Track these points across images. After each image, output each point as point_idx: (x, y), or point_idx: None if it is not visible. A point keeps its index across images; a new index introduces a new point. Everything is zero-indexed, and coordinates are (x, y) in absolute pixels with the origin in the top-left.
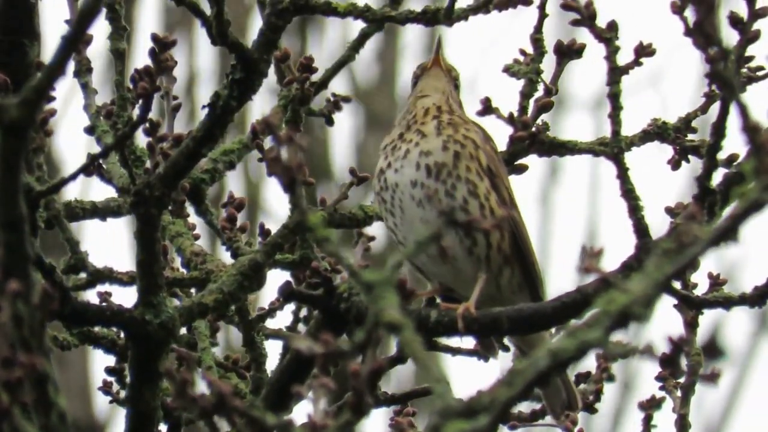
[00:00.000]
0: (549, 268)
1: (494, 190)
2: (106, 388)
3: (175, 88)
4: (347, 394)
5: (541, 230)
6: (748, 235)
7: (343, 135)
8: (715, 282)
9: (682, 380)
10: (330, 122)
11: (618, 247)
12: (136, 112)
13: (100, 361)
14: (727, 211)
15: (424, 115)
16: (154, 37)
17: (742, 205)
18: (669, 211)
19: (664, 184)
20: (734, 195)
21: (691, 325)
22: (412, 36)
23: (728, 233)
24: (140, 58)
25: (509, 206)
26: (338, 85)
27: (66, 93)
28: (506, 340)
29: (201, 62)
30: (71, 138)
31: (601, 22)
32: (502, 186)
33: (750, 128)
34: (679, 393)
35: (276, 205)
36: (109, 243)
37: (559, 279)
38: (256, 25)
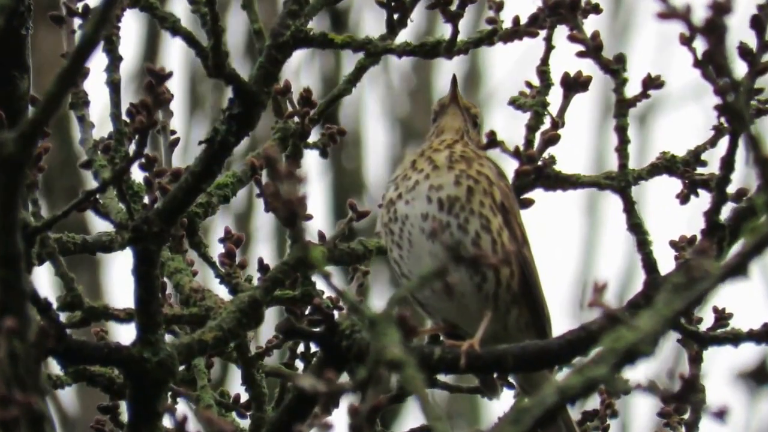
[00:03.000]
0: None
1: (507, 227)
2: (99, 426)
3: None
4: None
5: (586, 244)
6: None
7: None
8: (721, 316)
9: (686, 416)
10: (324, 155)
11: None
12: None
13: None
14: (738, 246)
15: (439, 144)
16: (150, 70)
17: (752, 240)
18: (673, 244)
19: (675, 217)
20: (745, 230)
21: (695, 360)
22: None
23: (739, 269)
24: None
25: (521, 244)
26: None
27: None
28: (510, 378)
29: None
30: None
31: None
32: (515, 223)
33: (761, 161)
34: (683, 430)
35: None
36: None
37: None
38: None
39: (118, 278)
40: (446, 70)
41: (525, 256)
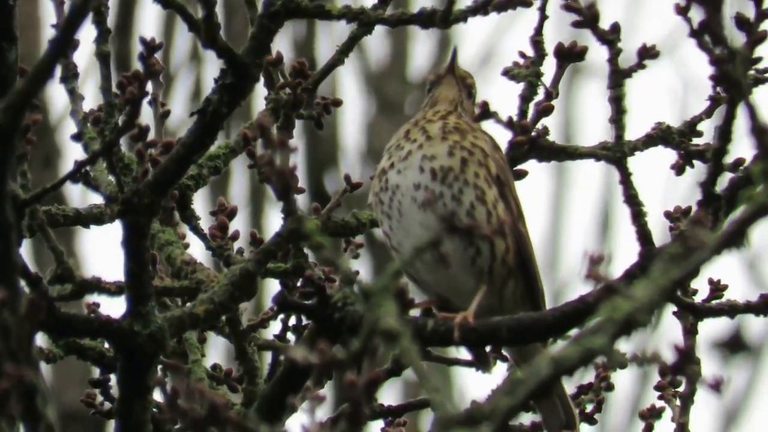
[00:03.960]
0: (560, 262)
1: (502, 200)
2: (89, 400)
3: (182, 94)
4: (343, 405)
5: (552, 222)
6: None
7: (353, 117)
8: (716, 288)
9: (681, 389)
10: (319, 126)
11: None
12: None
13: None
14: (735, 216)
15: (433, 115)
16: (143, 41)
17: (750, 209)
18: (668, 215)
19: (666, 188)
20: (741, 199)
21: (690, 332)
22: None
23: (735, 238)
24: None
25: (516, 217)
26: (349, 70)
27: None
28: (504, 351)
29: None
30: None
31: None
32: (510, 197)
33: (758, 131)
34: (678, 402)
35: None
36: (106, 249)
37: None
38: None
39: (93, 249)
40: (421, 40)
41: (520, 230)
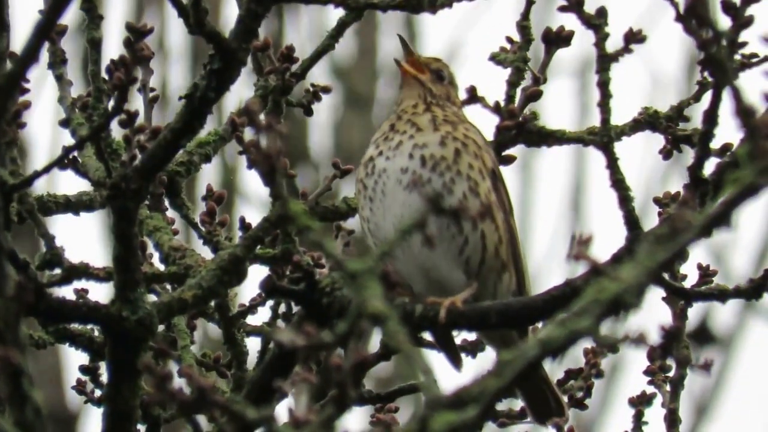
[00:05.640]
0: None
1: (495, 192)
2: (80, 387)
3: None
4: (331, 392)
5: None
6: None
7: (321, 114)
8: (705, 273)
9: (671, 374)
10: (309, 112)
11: (603, 217)
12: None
13: (73, 350)
14: (721, 197)
15: (414, 107)
16: (129, 26)
17: (736, 190)
18: (657, 201)
19: (647, 170)
20: (728, 180)
21: (680, 316)
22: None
23: (722, 219)
24: (110, 43)
25: (507, 212)
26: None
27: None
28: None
29: (173, 44)
30: (42, 128)
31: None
32: (503, 192)
33: (744, 111)
34: (668, 387)
35: (253, 190)
36: (79, 238)
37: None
38: (229, 11)
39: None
40: (389, 32)
41: (510, 224)
